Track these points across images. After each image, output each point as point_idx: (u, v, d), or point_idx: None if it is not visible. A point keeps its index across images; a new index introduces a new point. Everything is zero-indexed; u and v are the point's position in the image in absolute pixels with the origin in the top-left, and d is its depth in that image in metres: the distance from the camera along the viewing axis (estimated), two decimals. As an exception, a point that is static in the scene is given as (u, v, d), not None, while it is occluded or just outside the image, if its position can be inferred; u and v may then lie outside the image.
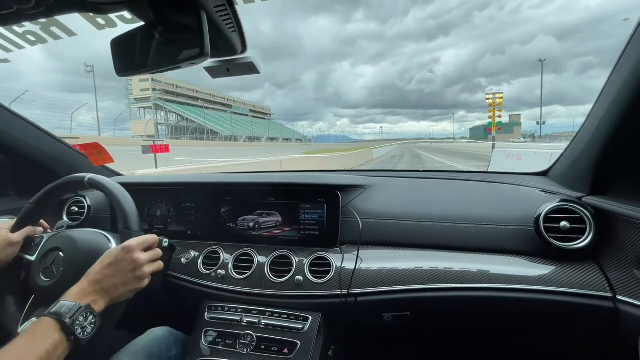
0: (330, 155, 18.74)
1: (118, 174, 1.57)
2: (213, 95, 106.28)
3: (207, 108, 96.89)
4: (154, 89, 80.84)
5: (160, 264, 0.85)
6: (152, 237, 0.84)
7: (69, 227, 1.09)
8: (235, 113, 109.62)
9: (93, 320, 0.68)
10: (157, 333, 0.94)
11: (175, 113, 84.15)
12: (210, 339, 0.96)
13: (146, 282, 0.80)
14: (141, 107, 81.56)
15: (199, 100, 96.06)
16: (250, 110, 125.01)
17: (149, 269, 0.80)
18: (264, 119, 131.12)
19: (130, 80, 78.57)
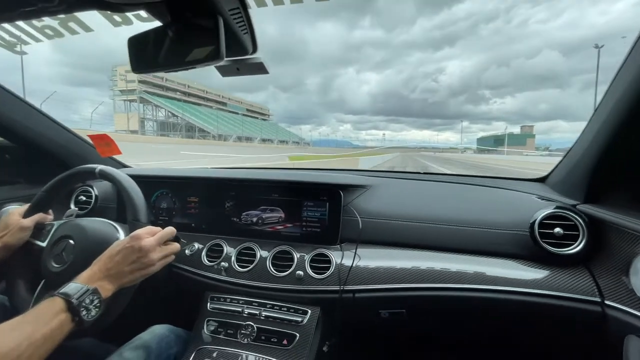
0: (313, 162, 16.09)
1: (125, 166, 1.60)
2: (206, 92, 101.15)
3: (198, 104, 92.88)
4: (140, 81, 75.62)
5: (169, 249, 0.88)
6: (157, 228, 0.89)
7: (78, 215, 1.13)
8: (226, 110, 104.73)
9: (98, 304, 0.70)
10: (159, 330, 0.97)
11: (164, 108, 79.79)
12: (212, 328, 0.99)
13: (154, 268, 0.83)
14: (126, 100, 76.35)
15: (190, 96, 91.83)
16: (247, 110, 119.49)
17: (155, 255, 0.83)
18: (257, 118, 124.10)
19: (115, 70, 72.96)
